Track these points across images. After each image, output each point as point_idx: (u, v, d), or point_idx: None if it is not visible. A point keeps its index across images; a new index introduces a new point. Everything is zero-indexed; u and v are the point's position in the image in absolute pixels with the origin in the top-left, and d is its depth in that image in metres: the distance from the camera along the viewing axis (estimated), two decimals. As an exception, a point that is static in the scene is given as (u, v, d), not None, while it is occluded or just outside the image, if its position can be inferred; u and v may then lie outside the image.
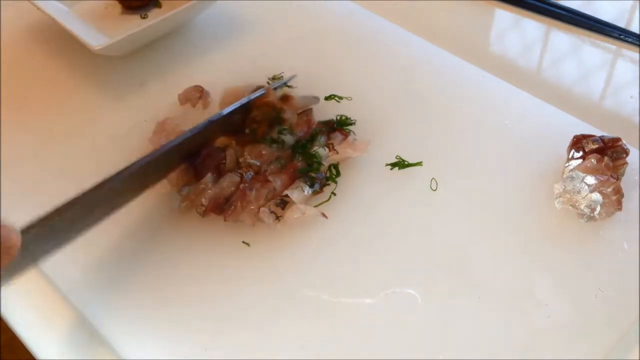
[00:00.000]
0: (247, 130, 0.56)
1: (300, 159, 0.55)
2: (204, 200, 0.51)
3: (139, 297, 0.49)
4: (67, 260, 0.51)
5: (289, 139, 0.55)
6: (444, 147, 0.57)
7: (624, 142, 0.53)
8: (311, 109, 0.58)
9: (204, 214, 0.51)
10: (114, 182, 0.48)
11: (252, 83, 0.60)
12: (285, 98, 0.57)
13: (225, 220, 0.51)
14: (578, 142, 0.53)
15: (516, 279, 0.49)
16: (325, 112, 0.60)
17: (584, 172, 0.51)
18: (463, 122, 0.60)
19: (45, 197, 0.55)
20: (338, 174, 0.55)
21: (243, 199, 0.51)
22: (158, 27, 0.63)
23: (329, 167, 0.55)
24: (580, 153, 0.53)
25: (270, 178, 0.52)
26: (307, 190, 0.53)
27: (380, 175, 0.56)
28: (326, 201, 0.54)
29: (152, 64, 0.66)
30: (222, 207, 0.52)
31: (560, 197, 0.52)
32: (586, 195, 0.51)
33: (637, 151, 0.55)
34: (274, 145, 0.55)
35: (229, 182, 0.52)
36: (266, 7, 0.72)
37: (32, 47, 0.68)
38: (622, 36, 0.68)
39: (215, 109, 0.59)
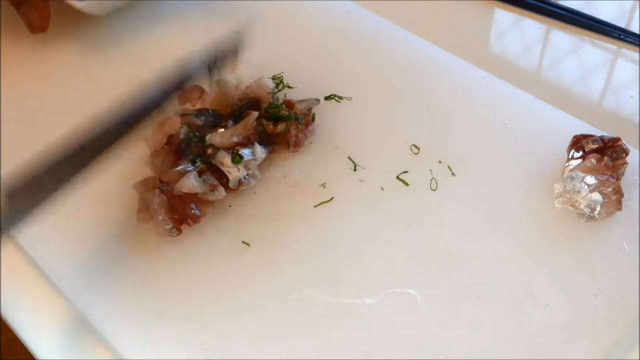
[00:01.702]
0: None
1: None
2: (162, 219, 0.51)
3: (139, 298, 0.49)
4: (67, 261, 0.51)
5: None
6: (444, 147, 0.57)
7: (624, 142, 0.53)
8: (312, 111, 0.59)
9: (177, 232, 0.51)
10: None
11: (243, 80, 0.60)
12: (289, 104, 0.57)
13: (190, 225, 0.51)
14: (578, 142, 0.53)
15: (516, 279, 0.49)
16: (325, 112, 0.60)
17: (583, 172, 0.51)
18: (463, 121, 0.60)
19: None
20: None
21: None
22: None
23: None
24: (580, 153, 0.53)
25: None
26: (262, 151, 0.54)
27: (379, 175, 0.56)
28: (327, 201, 0.54)
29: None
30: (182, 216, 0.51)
31: (560, 197, 0.52)
32: (586, 195, 0.51)
33: (637, 151, 0.55)
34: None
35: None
36: (265, 7, 0.72)
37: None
38: (622, 36, 0.68)
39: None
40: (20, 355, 0.53)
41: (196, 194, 0.51)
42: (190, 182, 0.50)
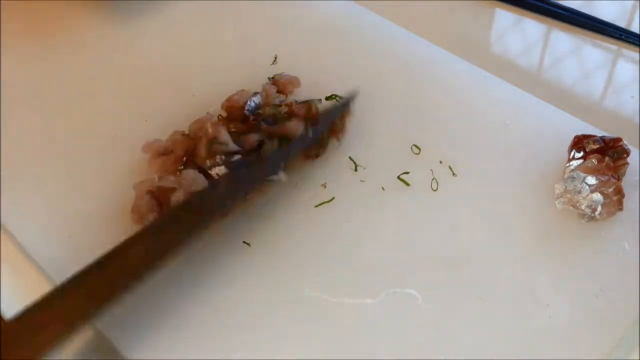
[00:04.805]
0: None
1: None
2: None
3: (139, 298, 0.49)
4: (68, 260, 0.51)
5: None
6: (445, 147, 0.57)
7: (625, 142, 0.53)
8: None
9: None
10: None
11: (252, 85, 0.60)
12: (292, 113, 0.57)
13: None
14: (579, 142, 0.53)
15: (517, 279, 0.49)
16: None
17: (584, 172, 0.51)
18: (463, 122, 0.59)
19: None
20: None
21: None
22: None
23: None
24: (581, 153, 0.53)
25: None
26: None
27: (380, 175, 0.55)
28: (328, 201, 0.54)
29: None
30: None
31: (561, 197, 0.52)
32: (587, 196, 0.51)
33: (638, 151, 0.55)
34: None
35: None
36: (265, 7, 0.72)
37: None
38: (622, 36, 0.68)
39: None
40: (21, 355, 0.53)
41: None
42: None
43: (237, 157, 0.53)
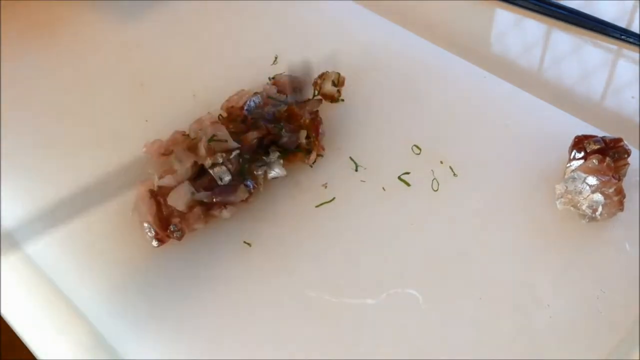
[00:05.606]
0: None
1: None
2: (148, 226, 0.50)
3: (140, 298, 0.49)
4: (68, 260, 0.51)
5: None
6: (445, 148, 0.57)
7: (626, 142, 0.53)
8: (317, 111, 0.58)
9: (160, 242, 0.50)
10: None
11: (252, 85, 0.60)
12: (293, 113, 0.57)
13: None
14: (579, 143, 0.53)
15: (517, 279, 0.49)
16: (327, 112, 0.60)
17: (585, 172, 0.51)
18: (464, 122, 0.59)
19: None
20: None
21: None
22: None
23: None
24: (582, 153, 0.53)
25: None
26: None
27: (381, 175, 0.55)
28: (329, 202, 0.54)
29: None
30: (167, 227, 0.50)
31: (561, 197, 0.52)
32: (588, 196, 0.50)
33: (639, 152, 0.55)
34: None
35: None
36: (265, 7, 0.72)
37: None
38: (623, 36, 0.68)
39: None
40: (21, 355, 0.53)
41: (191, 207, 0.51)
42: (180, 201, 0.50)
43: (236, 152, 0.53)
